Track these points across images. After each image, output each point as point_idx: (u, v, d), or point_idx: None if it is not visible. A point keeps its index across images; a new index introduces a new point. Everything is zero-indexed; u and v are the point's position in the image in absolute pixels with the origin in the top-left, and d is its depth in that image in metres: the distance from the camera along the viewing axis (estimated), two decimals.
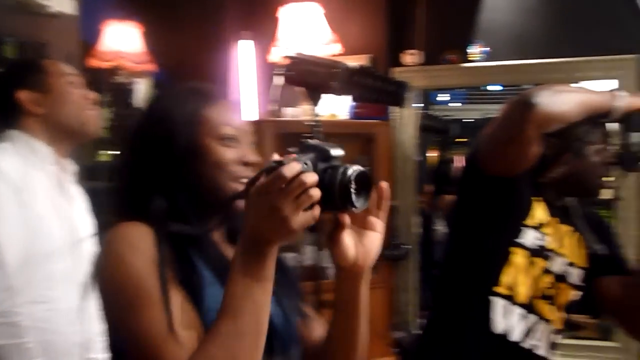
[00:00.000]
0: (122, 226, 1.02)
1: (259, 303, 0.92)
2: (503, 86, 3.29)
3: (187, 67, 3.15)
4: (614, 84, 2.75)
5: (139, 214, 1.03)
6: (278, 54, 2.93)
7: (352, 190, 0.91)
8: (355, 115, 3.05)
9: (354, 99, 1.35)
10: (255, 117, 3.10)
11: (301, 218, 0.88)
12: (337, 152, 0.97)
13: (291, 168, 0.88)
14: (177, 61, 3.26)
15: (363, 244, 1.01)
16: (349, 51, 3.01)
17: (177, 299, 0.97)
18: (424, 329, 1.79)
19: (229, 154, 1.08)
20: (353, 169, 0.92)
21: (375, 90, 1.41)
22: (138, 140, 1.11)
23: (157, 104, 1.16)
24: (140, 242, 0.99)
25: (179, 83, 1.18)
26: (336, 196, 0.91)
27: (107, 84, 3.31)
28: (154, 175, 1.06)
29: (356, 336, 1.09)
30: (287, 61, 1.17)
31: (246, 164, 1.09)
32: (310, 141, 0.98)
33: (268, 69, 3.07)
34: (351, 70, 1.43)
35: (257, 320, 0.93)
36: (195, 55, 3.27)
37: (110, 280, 1.00)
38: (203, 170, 1.07)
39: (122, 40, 3.31)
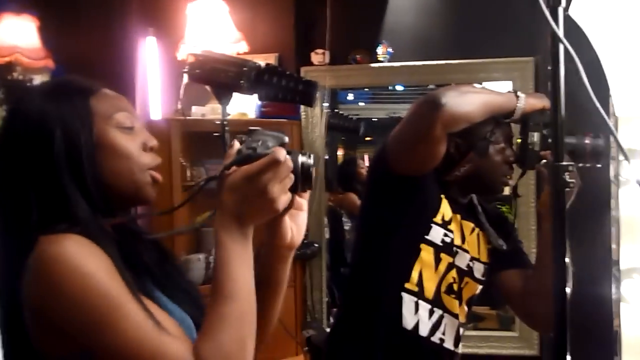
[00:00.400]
0: (55, 241, 0.91)
1: (250, 283, 0.96)
2: (405, 86, 3.37)
3: (87, 63, 3.02)
4: (509, 85, 2.88)
5: (55, 223, 0.95)
6: (185, 51, 2.87)
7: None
8: (264, 114, 3.03)
9: (263, 98, 1.33)
10: (162, 116, 3.02)
11: (284, 199, 0.95)
12: (287, 138, 1.02)
13: (282, 153, 0.94)
14: (76, 57, 3.12)
15: (296, 223, 1.06)
16: (256, 50, 2.99)
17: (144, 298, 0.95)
18: (334, 326, 1.80)
19: (131, 142, 1.05)
20: (304, 154, 1.00)
21: (285, 89, 1.40)
22: (21, 145, 1.00)
23: (32, 105, 1.02)
24: (87, 251, 0.92)
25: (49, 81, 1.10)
26: (299, 179, 0.98)
27: (2, 80, 3.12)
28: (56, 179, 0.98)
29: (276, 312, 1.14)
30: (193, 59, 1.14)
31: (151, 149, 1.07)
32: (259, 129, 1.02)
33: (175, 67, 2.99)
34: (260, 69, 1.41)
35: (252, 299, 0.97)
36: (96, 52, 3.13)
37: (68, 302, 0.89)
38: (109, 163, 1.02)
39: (18, 34, 3.12)
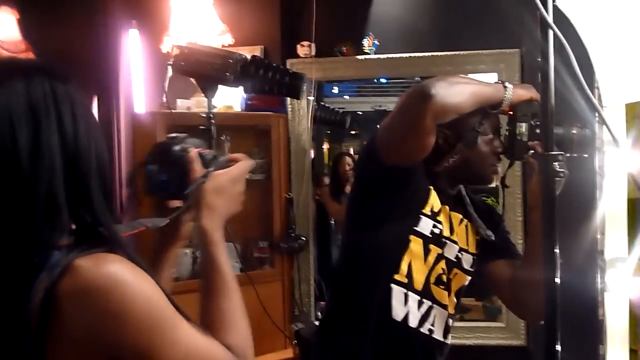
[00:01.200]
0: (104, 264, 0.85)
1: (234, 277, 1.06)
2: (388, 79, 3.36)
3: (69, 56, 2.97)
4: (494, 76, 2.89)
5: (84, 240, 0.88)
6: (169, 44, 2.84)
7: None
8: (250, 107, 3.01)
9: (249, 91, 1.32)
10: (147, 110, 2.98)
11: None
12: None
13: (246, 156, 1.13)
14: (58, 50, 3.07)
15: None
16: (241, 42, 2.97)
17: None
18: (323, 319, 1.79)
19: None
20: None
21: (272, 81, 1.39)
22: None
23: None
24: (138, 271, 0.88)
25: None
26: None
27: None
28: (84, 186, 0.90)
29: None
30: (178, 52, 1.12)
31: None
32: (179, 135, 1.14)
33: (159, 60, 2.96)
34: (246, 61, 1.39)
35: (239, 292, 1.06)
36: (78, 44, 3.08)
37: (135, 329, 0.86)
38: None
39: None
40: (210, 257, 1.04)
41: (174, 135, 1.14)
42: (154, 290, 0.88)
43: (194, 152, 1.10)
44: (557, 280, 1.44)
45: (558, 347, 1.41)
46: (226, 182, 1.09)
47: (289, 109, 3.07)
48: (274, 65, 1.38)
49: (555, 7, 1.18)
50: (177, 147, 1.12)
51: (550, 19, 1.16)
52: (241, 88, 1.33)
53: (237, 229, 2.99)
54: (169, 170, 1.12)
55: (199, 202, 1.07)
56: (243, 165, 1.14)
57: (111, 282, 0.84)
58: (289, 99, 2.99)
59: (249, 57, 1.38)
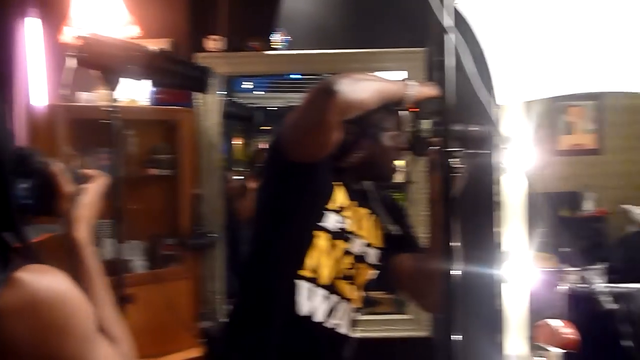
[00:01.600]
0: (43, 277, 0.84)
1: None
2: (303, 75, 3.38)
3: None
4: (404, 74, 2.96)
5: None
6: (70, 34, 2.72)
7: None
8: (157, 101, 2.94)
9: (155, 84, 1.29)
10: (46, 102, 2.85)
11: None
12: None
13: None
14: None
15: None
16: (149, 34, 2.88)
17: None
18: (230, 316, 1.78)
19: None
20: None
21: (178, 75, 1.36)
22: None
23: None
24: (66, 277, 0.87)
25: None
26: None
27: None
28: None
29: None
30: (81, 42, 1.08)
31: None
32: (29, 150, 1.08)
33: (60, 51, 2.83)
34: (152, 54, 1.36)
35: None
36: None
37: (78, 341, 0.86)
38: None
39: None
40: (90, 268, 1.06)
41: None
42: (85, 302, 0.89)
43: (58, 165, 1.07)
44: (456, 272, 1.49)
45: (457, 337, 1.45)
46: (97, 197, 1.13)
47: (198, 103, 3.02)
48: (180, 58, 1.35)
49: (455, 9, 1.22)
50: (37, 159, 1.04)
51: (450, 20, 1.20)
52: (149, 82, 1.30)
53: (144, 226, 2.95)
54: (30, 182, 1.02)
55: (72, 216, 1.09)
56: (102, 181, 1.15)
57: (54, 295, 0.83)
58: (198, 93, 2.94)
59: (156, 50, 1.34)
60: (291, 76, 3.73)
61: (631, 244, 4.00)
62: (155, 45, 2.83)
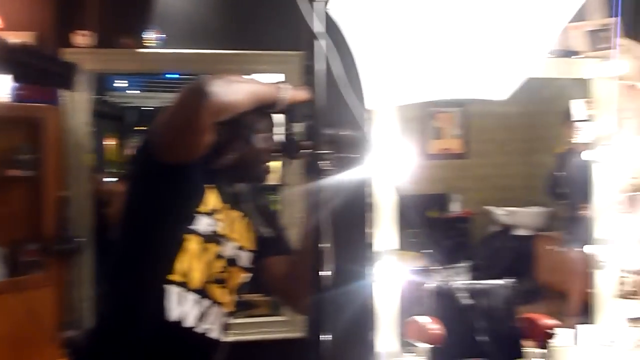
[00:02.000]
0: None
1: None
2: (181, 74, 3.31)
3: None
4: (281, 77, 2.98)
5: None
6: None
7: None
8: (19, 98, 2.75)
9: (16, 80, 1.21)
10: None
11: None
12: None
13: None
14: None
15: None
16: (12, 26, 2.70)
17: None
18: (96, 324, 1.70)
19: None
20: None
21: (40, 70, 1.28)
22: None
23: None
24: None
25: None
26: None
27: None
28: None
29: None
30: None
31: None
32: None
33: None
34: (12, 47, 1.27)
35: None
36: None
37: None
38: None
39: None
40: None
41: None
42: None
43: None
44: (326, 272, 1.51)
45: (327, 337, 1.48)
46: None
47: (64, 101, 2.86)
48: (44, 53, 1.28)
49: (326, 14, 1.24)
50: None
51: (321, 25, 1.22)
52: (9, 76, 1.21)
53: (3, 230, 2.76)
54: None
55: None
56: None
57: None
58: (64, 90, 2.80)
59: (17, 42, 1.26)
60: (167, 76, 3.64)
61: (492, 243, 4.27)
62: (17, 38, 2.67)
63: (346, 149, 1.65)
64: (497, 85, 2.18)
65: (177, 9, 3.02)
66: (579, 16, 2.79)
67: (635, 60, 2.88)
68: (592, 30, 2.84)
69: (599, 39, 2.84)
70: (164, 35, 2.97)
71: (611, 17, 2.79)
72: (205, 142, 1.50)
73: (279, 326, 3.04)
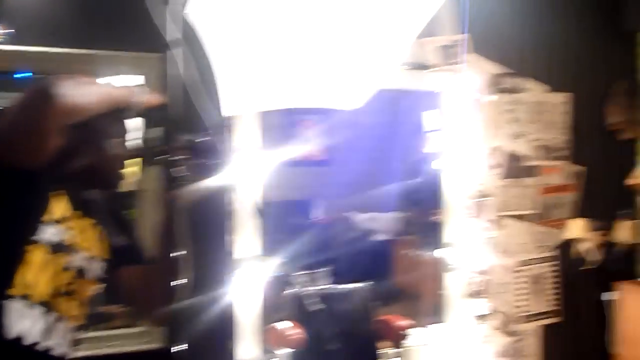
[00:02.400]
0: None
1: None
2: (33, 74, 3.11)
3: None
4: (141, 79, 2.88)
5: None
6: None
7: None
8: None
9: None
10: None
11: None
12: None
13: None
14: None
15: None
16: None
17: None
18: None
19: None
20: None
21: None
22: None
23: None
24: None
25: None
26: None
27: None
28: None
29: None
30: None
31: None
32: None
33: None
34: None
35: None
36: None
37: None
38: None
39: None
40: None
41: None
42: None
43: None
44: (183, 281, 1.48)
45: (182, 347, 1.45)
46: None
47: None
48: None
49: (184, 20, 1.22)
50: None
51: (178, 31, 1.20)
52: None
53: None
54: None
55: None
56: None
57: None
58: None
59: None
60: (17, 75, 3.41)
61: (352, 248, 4.41)
62: None
63: (203, 155, 1.64)
64: (349, 95, 2.25)
65: (28, 3, 2.83)
66: (433, 32, 2.96)
67: (482, 75, 3.10)
68: (444, 46, 3.02)
69: (449, 54, 3.02)
70: (12, 30, 2.78)
71: (460, 33, 2.99)
72: (51, 147, 1.41)
73: (137, 338, 2.93)
